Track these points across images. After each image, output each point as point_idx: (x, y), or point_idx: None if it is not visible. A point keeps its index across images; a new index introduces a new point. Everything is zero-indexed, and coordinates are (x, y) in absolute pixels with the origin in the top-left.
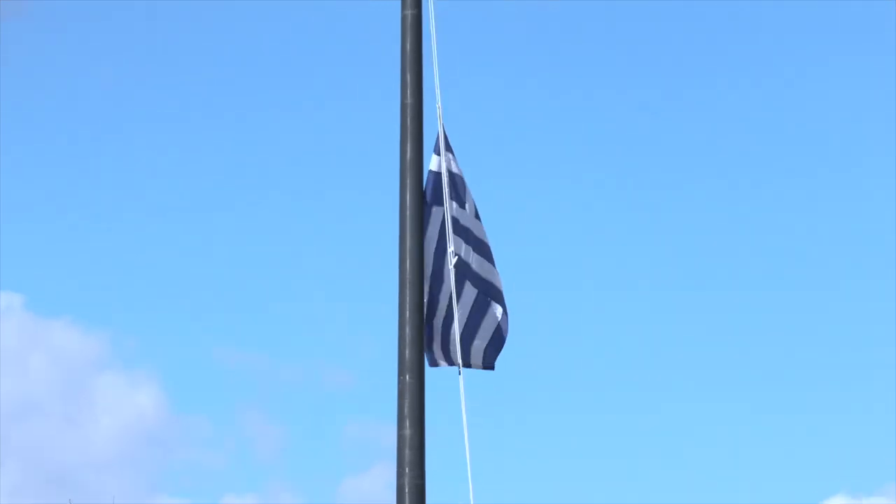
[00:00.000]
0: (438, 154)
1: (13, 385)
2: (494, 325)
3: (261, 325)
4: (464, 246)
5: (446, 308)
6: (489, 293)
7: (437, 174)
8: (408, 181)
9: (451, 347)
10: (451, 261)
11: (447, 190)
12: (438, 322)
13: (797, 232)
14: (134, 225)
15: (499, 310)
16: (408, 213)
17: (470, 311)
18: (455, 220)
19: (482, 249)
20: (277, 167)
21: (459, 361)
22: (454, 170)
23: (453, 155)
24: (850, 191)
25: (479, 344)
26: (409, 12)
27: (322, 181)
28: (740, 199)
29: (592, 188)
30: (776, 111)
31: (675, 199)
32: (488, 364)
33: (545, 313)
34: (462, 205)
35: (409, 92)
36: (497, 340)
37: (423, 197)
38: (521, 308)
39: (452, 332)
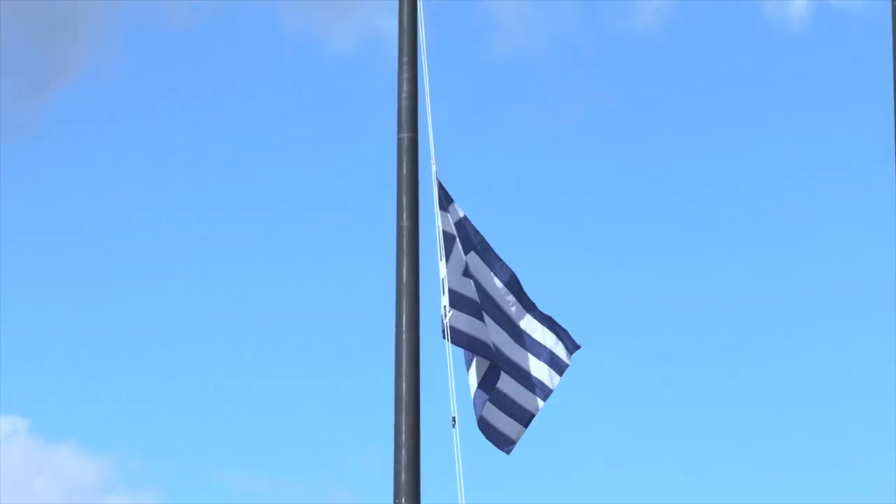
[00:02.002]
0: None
1: None
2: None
3: (262, 445)
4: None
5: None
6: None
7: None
8: (403, 304)
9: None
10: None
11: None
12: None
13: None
14: (136, 350)
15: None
16: (403, 335)
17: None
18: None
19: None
20: (275, 288)
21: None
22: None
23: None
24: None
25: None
26: (404, 135)
27: (319, 303)
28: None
29: (590, 280)
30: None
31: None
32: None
33: None
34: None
35: (405, 215)
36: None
37: (418, 318)
38: None
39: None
